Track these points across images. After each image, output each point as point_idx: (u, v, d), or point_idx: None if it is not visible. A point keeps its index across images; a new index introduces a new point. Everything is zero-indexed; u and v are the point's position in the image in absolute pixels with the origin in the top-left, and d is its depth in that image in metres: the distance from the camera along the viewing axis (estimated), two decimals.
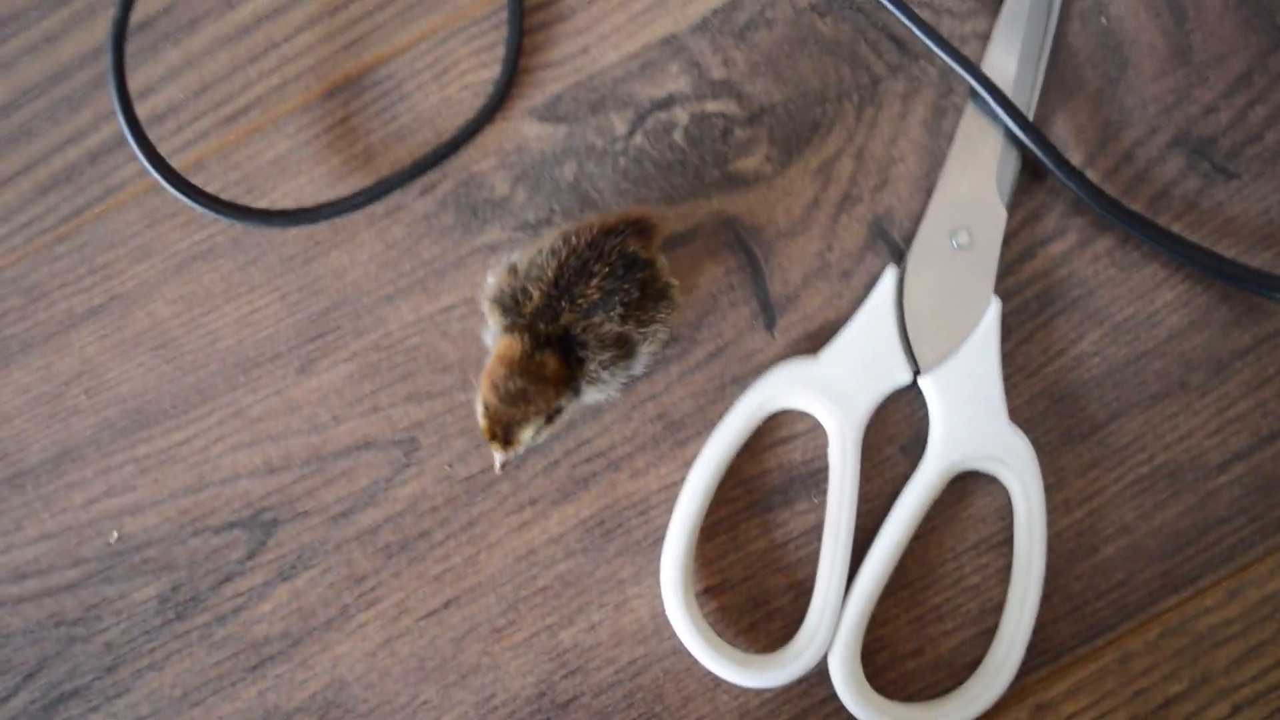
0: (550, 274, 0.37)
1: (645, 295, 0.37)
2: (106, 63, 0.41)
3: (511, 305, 0.38)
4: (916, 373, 0.40)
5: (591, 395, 0.38)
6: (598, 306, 0.37)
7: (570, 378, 0.37)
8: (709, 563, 0.41)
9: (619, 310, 0.37)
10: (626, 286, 0.37)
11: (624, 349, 0.38)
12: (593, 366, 0.37)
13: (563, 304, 0.37)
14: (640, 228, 0.38)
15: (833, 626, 0.39)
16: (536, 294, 0.37)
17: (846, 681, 0.38)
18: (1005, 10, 0.42)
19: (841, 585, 0.39)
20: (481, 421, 0.37)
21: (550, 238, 0.38)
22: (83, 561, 0.42)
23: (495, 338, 0.38)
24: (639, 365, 0.39)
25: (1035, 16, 0.42)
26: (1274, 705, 0.39)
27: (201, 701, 0.41)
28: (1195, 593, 0.40)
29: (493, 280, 0.39)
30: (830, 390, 0.40)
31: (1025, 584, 0.38)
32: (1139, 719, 0.39)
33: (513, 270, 0.38)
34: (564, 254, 0.37)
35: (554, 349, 0.37)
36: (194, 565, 0.42)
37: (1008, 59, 0.42)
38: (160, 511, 0.42)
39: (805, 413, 0.41)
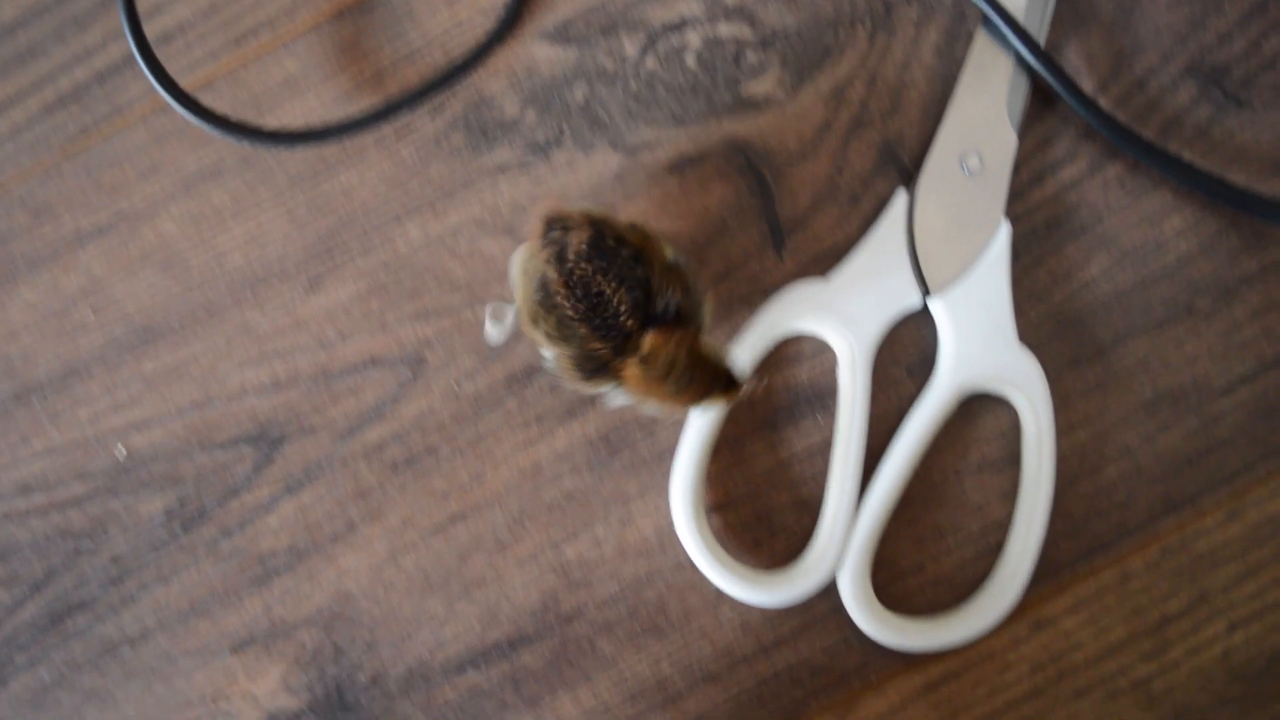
0: (571, 313, 0.35)
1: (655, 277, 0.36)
2: None
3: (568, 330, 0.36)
4: (926, 295, 0.40)
5: None
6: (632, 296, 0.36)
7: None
8: (713, 480, 0.41)
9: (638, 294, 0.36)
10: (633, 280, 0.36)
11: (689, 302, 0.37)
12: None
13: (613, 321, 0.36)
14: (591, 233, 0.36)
15: (842, 545, 0.39)
16: (582, 330, 0.36)
17: (857, 598, 0.39)
18: None
19: (852, 505, 0.39)
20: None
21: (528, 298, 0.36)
22: (89, 476, 0.42)
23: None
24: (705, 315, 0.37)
25: None
26: (1270, 623, 0.39)
27: (207, 614, 0.41)
28: (1195, 513, 0.40)
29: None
30: (841, 313, 0.40)
31: (1033, 502, 0.39)
32: (1137, 635, 0.40)
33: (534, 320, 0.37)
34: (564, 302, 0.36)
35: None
36: (200, 480, 0.42)
37: None
38: (167, 427, 0.42)
39: (813, 335, 0.41)
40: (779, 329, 0.40)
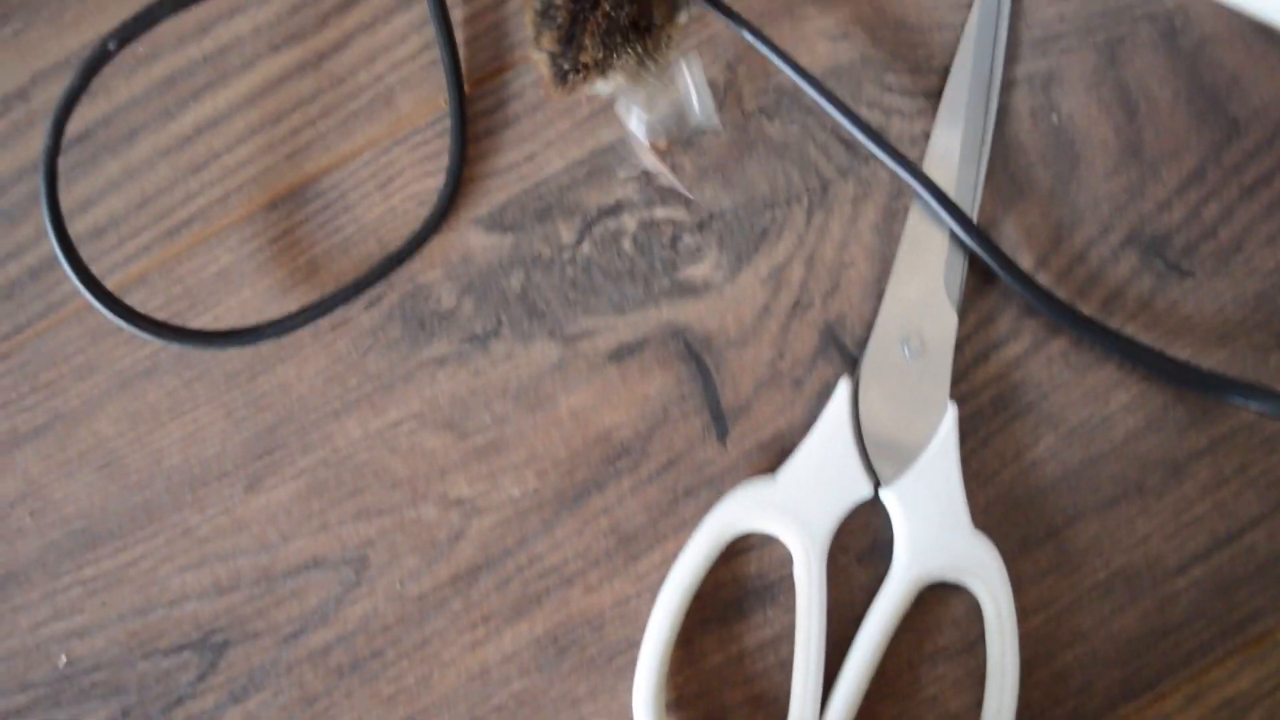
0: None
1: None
2: (39, 183, 0.41)
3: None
4: (877, 485, 0.39)
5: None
6: None
7: None
8: (664, 678, 0.40)
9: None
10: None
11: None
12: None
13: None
14: None
15: None
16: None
17: None
18: (942, 109, 0.42)
19: (817, 710, 0.38)
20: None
21: None
22: (31, 686, 0.41)
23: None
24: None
25: (973, 114, 0.41)
26: None
27: None
28: (1155, 697, 0.39)
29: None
30: (792, 511, 0.39)
31: (1000, 693, 0.38)
32: None
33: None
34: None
35: None
36: (144, 688, 0.41)
37: (949, 158, 0.41)
38: (109, 634, 0.41)
39: (765, 533, 0.40)
40: (730, 531, 0.40)
